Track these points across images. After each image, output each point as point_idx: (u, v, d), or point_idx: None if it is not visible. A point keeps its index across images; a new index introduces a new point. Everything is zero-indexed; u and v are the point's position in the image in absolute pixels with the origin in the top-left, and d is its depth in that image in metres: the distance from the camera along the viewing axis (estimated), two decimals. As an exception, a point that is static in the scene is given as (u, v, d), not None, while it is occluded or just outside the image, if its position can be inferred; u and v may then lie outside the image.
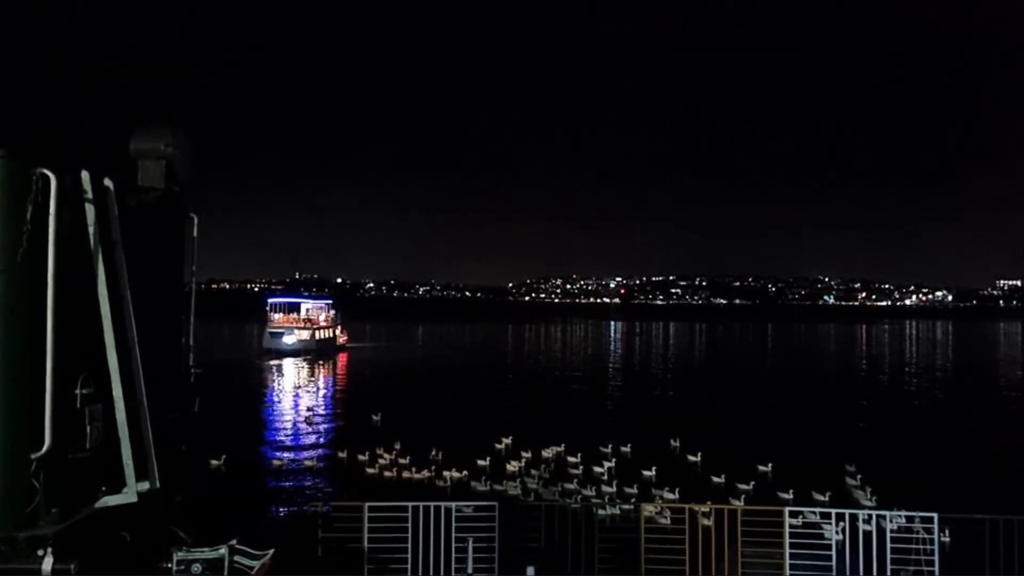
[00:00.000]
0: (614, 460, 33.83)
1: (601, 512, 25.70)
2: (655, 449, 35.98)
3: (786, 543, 12.23)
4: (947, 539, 17.03)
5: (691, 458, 35.03)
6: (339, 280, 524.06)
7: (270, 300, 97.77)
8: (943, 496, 27.14)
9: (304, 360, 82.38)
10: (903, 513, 13.21)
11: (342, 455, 35.23)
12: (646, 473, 31.64)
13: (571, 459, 33.95)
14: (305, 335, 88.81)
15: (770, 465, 32.83)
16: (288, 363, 79.63)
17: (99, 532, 5.43)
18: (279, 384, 67.62)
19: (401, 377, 70.49)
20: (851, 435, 42.53)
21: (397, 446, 34.48)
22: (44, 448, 4.66)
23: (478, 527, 12.26)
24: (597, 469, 32.67)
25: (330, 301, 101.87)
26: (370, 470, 32.98)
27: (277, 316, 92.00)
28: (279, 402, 56.37)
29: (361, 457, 34.22)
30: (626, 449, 35.78)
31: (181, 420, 6.64)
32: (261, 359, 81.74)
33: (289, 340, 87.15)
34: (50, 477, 4.76)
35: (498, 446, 36.42)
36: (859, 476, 30.85)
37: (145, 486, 5.54)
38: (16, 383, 4.67)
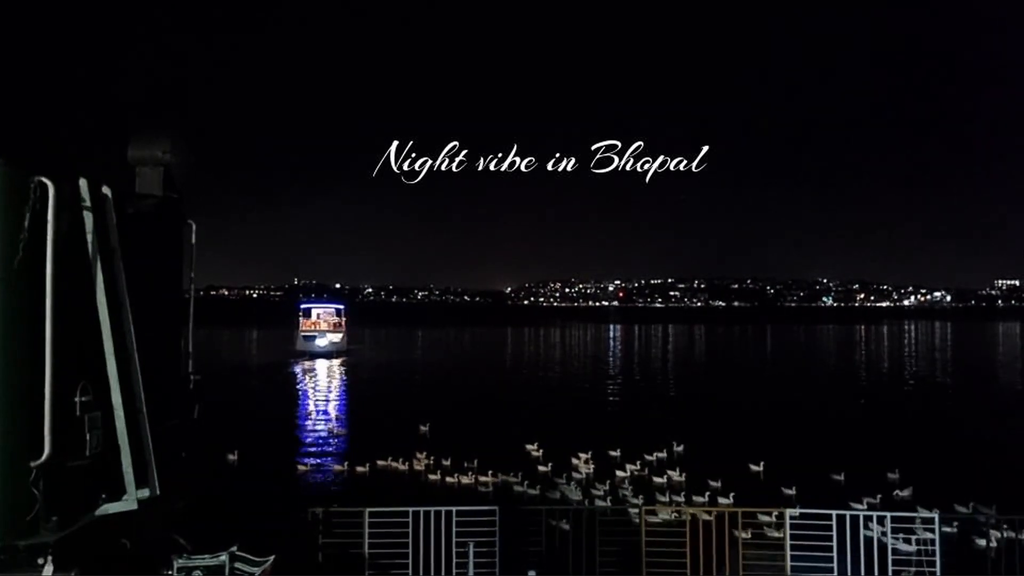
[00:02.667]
0: (679, 471, 32.34)
1: (600, 503, 25.82)
2: (696, 452, 35.53)
3: (787, 544, 12.24)
4: (949, 539, 17.01)
5: (753, 465, 33.38)
6: (338, 285, 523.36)
7: (302, 306, 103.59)
8: (944, 496, 27.18)
9: (336, 361, 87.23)
10: (904, 514, 13.23)
11: (364, 465, 34.61)
12: (712, 483, 30.66)
13: (625, 467, 33.23)
14: (336, 338, 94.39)
15: (822, 470, 31.68)
16: (320, 364, 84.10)
17: (99, 540, 5.42)
18: (302, 386, 68.48)
19: (408, 380, 71.09)
20: (851, 435, 42.53)
21: (421, 454, 34.12)
22: (44, 456, 4.65)
23: (479, 531, 12.25)
24: (658, 480, 31.83)
25: (341, 306, 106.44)
26: (396, 476, 32.68)
27: (307, 319, 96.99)
28: (300, 405, 56.41)
29: (395, 464, 33.74)
30: (661, 455, 35.11)
31: (181, 427, 6.64)
32: (298, 361, 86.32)
33: (322, 343, 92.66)
34: (50, 485, 4.75)
35: (534, 452, 36.04)
36: (901, 480, 30.31)
37: (145, 493, 5.53)
38: (15, 391, 4.66)
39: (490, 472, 31.33)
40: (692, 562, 12.38)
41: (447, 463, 32.89)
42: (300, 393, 63.96)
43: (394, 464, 33.60)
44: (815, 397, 60.83)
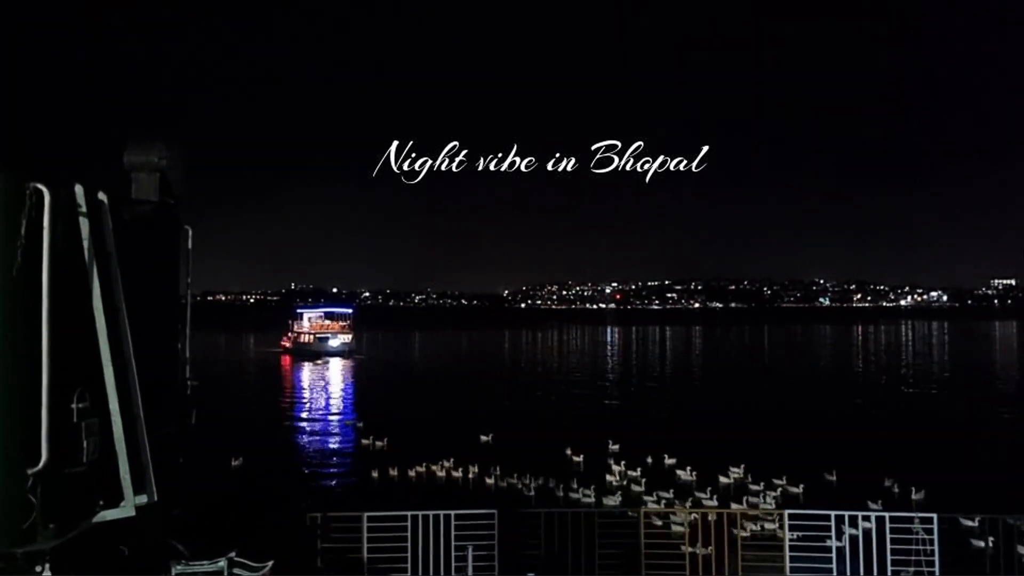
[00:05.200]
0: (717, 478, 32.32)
1: (607, 500, 25.75)
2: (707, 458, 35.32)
3: (786, 545, 12.24)
4: (947, 539, 17.02)
5: (754, 467, 33.25)
6: (335, 290, 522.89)
7: (297, 310, 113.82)
8: (943, 496, 27.22)
9: (340, 364, 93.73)
10: (903, 514, 13.22)
11: (365, 467, 34.46)
12: (713, 484, 30.51)
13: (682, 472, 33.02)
14: (347, 338, 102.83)
15: (822, 471, 31.58)
16: (312, 368, 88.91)
17: (97, 547, 5.40)
18: (303, 387, 68.96)
19: (409, 381, 71.48)
20: (850, 436, 42.57)
21: (450, 460, 33.84)
22: (41, 463, 4.64)
23: (478, 534, 12.24)
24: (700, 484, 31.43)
25: (349, 310, 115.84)
26: (402, 479, 32.49)
27: (324, 322, 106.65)
28: (301, 407, 56.33)
29: (419, 469, 33.56)
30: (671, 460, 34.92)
31: (178, 433, 6.62)
32: (314, 361, 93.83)
33: (334, 343, 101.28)
34: (47, 492, 4.74)
35: (576, 459, 35.79)
36: (900, 481, 30.28)
37: (143, 500, 5.51)
38: (11, 398, 4.65)
39: (531, 475, 30.97)
40: (691, 563, 12.38)
41: (474, 467, 32.64)
42: (301, 395, 64.02)
43: (404, 468, 33.43)
44: (813, 398, 60.85)
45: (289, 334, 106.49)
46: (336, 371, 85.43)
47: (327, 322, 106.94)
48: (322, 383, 74.71)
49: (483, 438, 39.73)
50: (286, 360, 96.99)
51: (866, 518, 13.17)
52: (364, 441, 41.11)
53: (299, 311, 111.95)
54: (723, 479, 31.71)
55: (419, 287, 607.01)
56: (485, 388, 66.07)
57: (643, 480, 31.83)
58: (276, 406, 56.57)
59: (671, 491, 29.59)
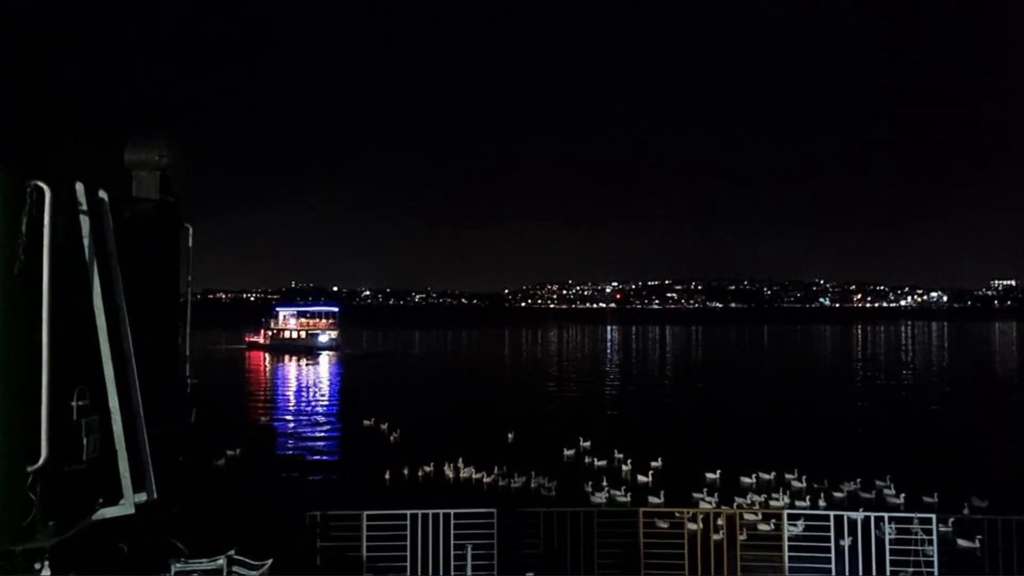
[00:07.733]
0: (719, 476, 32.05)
1: (610, 499, 25.77)
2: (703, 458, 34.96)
3: (785, 546, 12.25)
4: (946, 539, 17.02)
5: (752, 467, 32.47)
6: (335, 288, 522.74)
7: (293, 307, 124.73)
8: (942, 497, 27.21)
9: (334, 354, 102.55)
10: (902, 515, 13.25)
11: (362, 467, 34.26)
12: (712, 485, 30.45)
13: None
14: (334, 334, 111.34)
15: (821, 472, 31.39)
16: (322, 358, 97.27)
17: (96, 545, 5.41)
18: (297, 387, 69.20)
19: (409, 379, 71.68)
20: (850, 437, 42.56)
21: (461, 462, 33.58)
22: (40, 461, 4.64)
23: (477, 533, 12.25)
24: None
25: (335, 309, 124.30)
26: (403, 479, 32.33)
27: (310, 320, 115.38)
28: (296, 407, 56.21)
29: (419, 467, 33.30)
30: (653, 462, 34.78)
31: (178, 431, 6.62)
32: (300, 356, 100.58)
33: (324, 339, 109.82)
34: (47, 490, 4.74)
35: (578, 458, 35.73)
36: (899, 481, 30.11)
37: (143, 498, 5.51)
38: (12, 395, 4.65)
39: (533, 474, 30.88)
40: (690, 563, 12.39)
41: (475, 467, 32.56)
42: (288, 392, 63.99)
43: (403, 467, 33.31)
44: (813, 399, 60.85)
45: (264, 331, 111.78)
46: (324, 367, 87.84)
47: (306, 320, 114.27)
48: (312, 380, 75.00)
49: (509, 436, 39.73)
50: (259, 355, 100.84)
51: (865, 520, 13.17)
52: (366, 437, 41.09)
53: (276, 309, 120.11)
54: (720, 479, 31.65)
55: (420, 286, 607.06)
56: (485, 387, 66.05)
57: (647, 480, 31.80)
58: (263, 403, 56.54)
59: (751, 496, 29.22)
